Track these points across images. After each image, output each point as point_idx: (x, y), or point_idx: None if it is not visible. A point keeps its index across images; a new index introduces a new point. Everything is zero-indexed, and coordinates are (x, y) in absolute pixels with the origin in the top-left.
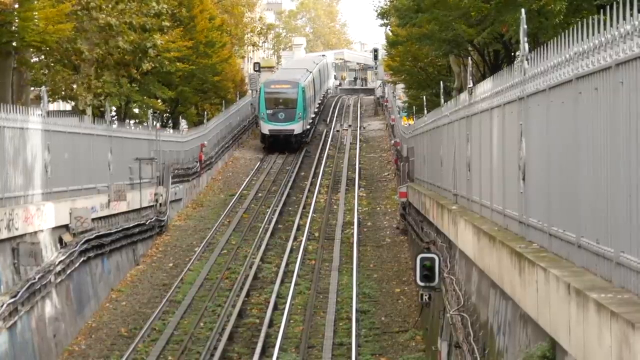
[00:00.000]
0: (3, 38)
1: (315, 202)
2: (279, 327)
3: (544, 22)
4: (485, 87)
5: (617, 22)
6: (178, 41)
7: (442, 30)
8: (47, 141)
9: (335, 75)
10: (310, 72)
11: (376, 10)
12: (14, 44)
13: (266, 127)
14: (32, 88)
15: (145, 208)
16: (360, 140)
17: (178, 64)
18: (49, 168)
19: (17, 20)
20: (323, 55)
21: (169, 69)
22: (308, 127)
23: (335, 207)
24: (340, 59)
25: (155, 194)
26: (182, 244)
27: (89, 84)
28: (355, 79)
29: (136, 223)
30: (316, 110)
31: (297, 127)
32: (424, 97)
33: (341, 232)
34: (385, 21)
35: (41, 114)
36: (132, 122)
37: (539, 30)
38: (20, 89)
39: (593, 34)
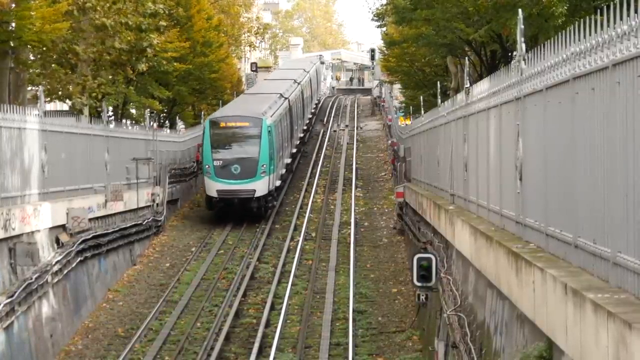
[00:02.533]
0: (0, 37)
1: (312, 202)
2: (276, 327)
3: (545, 24)
4: (482, 87)
5: (614, 22)
6: (175, 41)
7: (439, 31)
8: (44, 141)
9: (332, 76)
10: (286, 98)
11: (372, 12)
12: (11, 43)
13: (213, 187)
14: (30, 88)
15: (142, 208)
16: (357, 140)
17: (175, 63)
18: (46, 168)
19: (14, 20)
20: (320, 56)
21: (166, 69)
22: (278, 183)
23: (332, 207)
24: (338, 59)
25: (152, 194)
26: (179, 244)
27: (84, 84)
28: (352, 79)
29: (133, 223)
30: (294, 151)
31: (259, 186)
32: (421, 97)
33: (338, 232)
34: (381, 22)
35: (38, 114)
36: (129, 122)
37: (539, 31)
38: (18, 89)
39: (590, 35)
